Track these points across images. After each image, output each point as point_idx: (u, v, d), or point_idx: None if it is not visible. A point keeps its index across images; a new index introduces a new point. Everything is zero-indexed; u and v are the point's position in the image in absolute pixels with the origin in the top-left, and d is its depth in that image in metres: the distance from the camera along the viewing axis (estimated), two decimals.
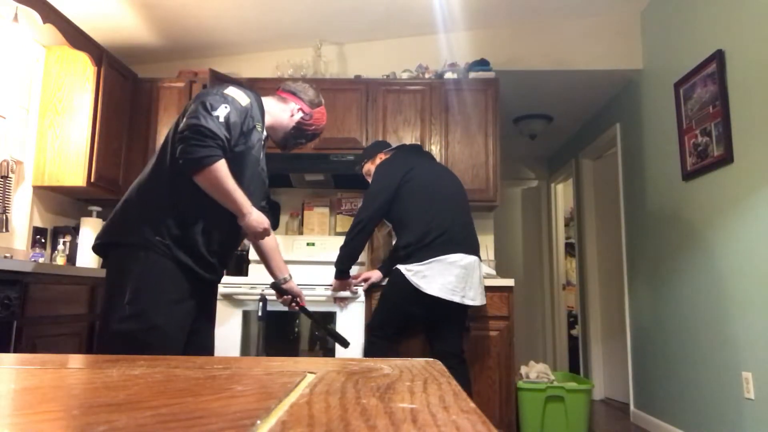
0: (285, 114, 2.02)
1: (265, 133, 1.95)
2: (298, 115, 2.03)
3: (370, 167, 2.87)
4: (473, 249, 2.64)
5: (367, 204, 2.67)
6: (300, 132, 2.05)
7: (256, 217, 1.78)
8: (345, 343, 2.30)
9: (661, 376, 3.41)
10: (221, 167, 1.67)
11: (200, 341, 1.87)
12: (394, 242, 2.74)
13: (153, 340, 1.63)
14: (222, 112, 1.69)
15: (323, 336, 2.39)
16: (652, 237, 3.59)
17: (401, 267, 2.58)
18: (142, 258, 1.67)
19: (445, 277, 2.50)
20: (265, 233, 1.83)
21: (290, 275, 2.19)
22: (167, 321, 1.68)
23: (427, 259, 2.52)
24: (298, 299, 2.21)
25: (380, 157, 2.84)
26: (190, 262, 1.73)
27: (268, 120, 1.96)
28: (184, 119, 1.69)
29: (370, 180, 2.86)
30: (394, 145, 2.98)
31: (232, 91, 1.78)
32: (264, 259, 2.14)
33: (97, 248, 1.79)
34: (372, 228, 2.69)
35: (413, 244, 2.55)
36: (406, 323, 2.72)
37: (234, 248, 1.97)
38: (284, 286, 2.16)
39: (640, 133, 3.80)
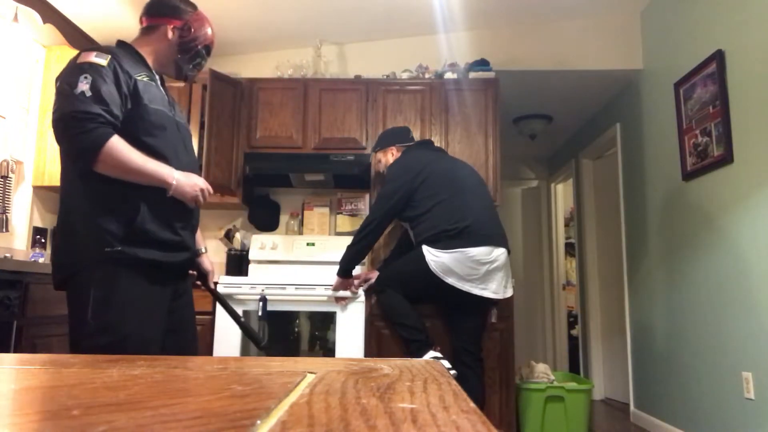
0: (161, 43, 1.72)
1: (157, 76, 1.72)
2: (175, 35, 1.73)
3: (380, 157, 2.87)
4: (501, 241, 2.61)
5: (380, 204, 2.66)
6: (188, 51, 1.76)
7: (186, 182, 1.58)
8: (259, 343, 2.03)
9: (661, 376, 3.41)
10: (116, 145, 1.46)
11: (182, 339, 1.73)
12: (413, 237, 2.70)
13: (128, 350, 1.48)
14: (84, 85, 1.46)
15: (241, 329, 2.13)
16: (652, 237, 3.59)
17: (425, 249, 2.54)
18: (98, 274, 1.51)
19: (465, 269, 2.48)
20: (204, 194, 1.63)
21: (205, 249, 1.93)
22: (138, 327, 1.54)
23: (453, 248, 2.49)
24: (206, 278, 1.91)
25: (392, 152, 2.83)
26: (155, 255, 1.56)
27: (151, 61, 1.71)
28: (52, 114, 1.49)
29: (378, 167, 2.86)
30: (411, 134, 2.98)
31: (86, 56, 1.54)
32: None
33: (57, 287, 1.62)
34: (383, 228, 2.69)
35: (442, 231, 2.52)
36: (418, 297, 2.67)
37: (193, 209, 1.73)
38: (195, 259, 1.88)
39: (640, 133, 3.80)
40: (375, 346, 2.89)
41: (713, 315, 2.83)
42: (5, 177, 2.89)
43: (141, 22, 1.76)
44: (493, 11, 3.57)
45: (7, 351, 2.13)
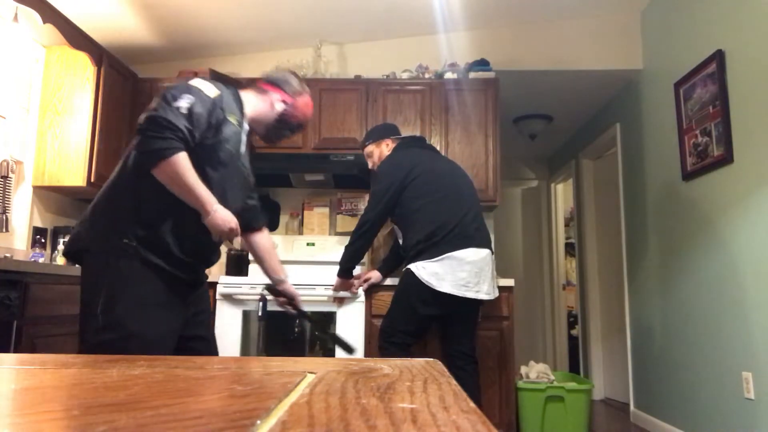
0: (265, 106, 1.91)
1: (246, 126, 1.86)
2: (280, 106, 1.91)
3: (373, 149, 2.80)
4: (485, 242, 2.60)
5: (372, 204, 2.65)
6: (283, 123, 1.94)
7: (222, 215, 1.66)
8: (350, 349, 2.16)
9: (661, 376, 3.41)
10: (181, 160, 1.56)
11: (200, 349, 1.78)
12: (401, 241, 2.69)
13: (132, 349, 1.51)
14: (184, 102, 1.59)
15: (326, 341, 2.26)
16: (652, 237, 3.59)
17: (412, 266, 2.52)
18: (112, 265, 1.58)
19: (457, 273, 2.46)
20: (231, 233, 1.70)
21: (286, 276, 2.10)
22: (145, 327, 1.58)
23: (439, 255, 2.47)
24: (294, 301, 2.11)
25: (386, 144, 2.79)
26: (160, 263, 1.62)
27: (249, 113, 1.87)
28: (145, 111, 1.61)
29: (370, 162, 2.82)
30: (401, 133, 2.93)
31: (198, 82, 1.69)
32: (258, 260, 2.07)
33: (68, 255, 1.70)
34: (378, 228, 2.67)
35: (423, 241, 2.50)
36: (423, 329, 2.65)
37: (213, 246, 1.81)
38: (280, 288, 2.08)
39: (640, 133, 3.80)
40: (375, 346, 2.89)
41: (713, 315, 2.83)
42: (5, 177, 2.89)
43: (257, 81, 1.96)
44: (493, 11, 3.57)
45: (7, 351, 2.13)
